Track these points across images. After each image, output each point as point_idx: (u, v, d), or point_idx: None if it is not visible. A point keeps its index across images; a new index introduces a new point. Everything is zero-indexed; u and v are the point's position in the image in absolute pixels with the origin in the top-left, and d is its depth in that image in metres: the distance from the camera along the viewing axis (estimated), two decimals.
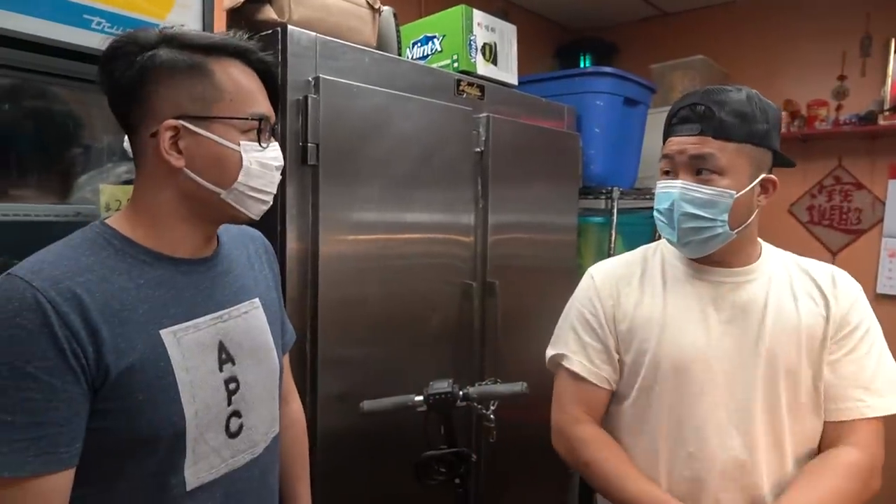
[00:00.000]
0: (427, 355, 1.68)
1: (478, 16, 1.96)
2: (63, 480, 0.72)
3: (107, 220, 0.84)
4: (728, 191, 1.00)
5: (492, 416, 1.43)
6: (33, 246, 0.78)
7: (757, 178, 1.03)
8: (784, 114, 2.96)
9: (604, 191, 2.47)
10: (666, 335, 1.09)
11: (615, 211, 2.44)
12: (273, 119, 0.87)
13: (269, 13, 1.45)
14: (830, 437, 1.06)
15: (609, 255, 2.37)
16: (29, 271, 0.72)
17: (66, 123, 1.36)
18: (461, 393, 1.36)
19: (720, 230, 1.03)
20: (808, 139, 2.96)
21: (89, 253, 0.78)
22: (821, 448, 1.08)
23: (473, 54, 1.94)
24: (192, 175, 0.80)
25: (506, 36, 2.07)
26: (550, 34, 3.53)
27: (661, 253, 1.18)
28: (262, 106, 0.85)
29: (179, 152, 0.80)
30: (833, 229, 3.00)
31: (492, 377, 1.50)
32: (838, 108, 2.91)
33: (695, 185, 1.01)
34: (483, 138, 1.83)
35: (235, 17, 1.52)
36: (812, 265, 1.13)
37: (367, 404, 1.34)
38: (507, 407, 1.44)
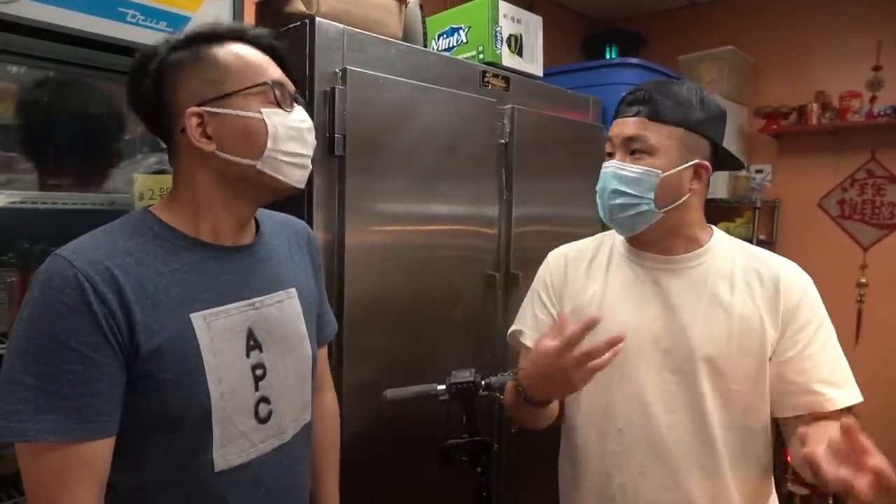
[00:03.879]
0: (450, 345, 1.70)
1: (503, 7, 1.95)
2: (104, 447, 0.77)
3: (150, 207, 0.87)
4: (654, 170, 1.05)
5: None
6: (70, 234, 0.82)
7: (689, 162, 1.07)
8: (815, 105, 2.90)
9: None
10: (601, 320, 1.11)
11: None
12: (290, 85, 0.89)
13: (298, 5, 1.47)
14: (794, 430, 1.07)
15: None
16: (71, 252, 0.76)
17: (101, 115, 1.39)
18: (483, 382, 1.37)
19: (646, 207, 1.06)
20: (840, 131, 2.90)
21: (129, 237, 0.82)
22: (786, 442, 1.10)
23: (499, 46, 1.94)
24: (225, 155, 0.83)
25: (531, 27, 2.06)
26: (576, 25, 3.50)
27: (612, 239, 1.22)
28: (273, 73, 0.87)
29: (209, 137, 0.83)
30: (865, 224, 2.94)
31: (514, 368, 1.51)
32: (872, 99, 2.84)
33: (624, 164, 1.07)
34: (508, 130, 1.83)
35: (264, 10, 1.55)
36: (761, 257, 1.14)
37: (390, 392, 1.36)
38: None
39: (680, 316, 1.09)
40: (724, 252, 1.14)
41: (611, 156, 1.10)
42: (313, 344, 1.01)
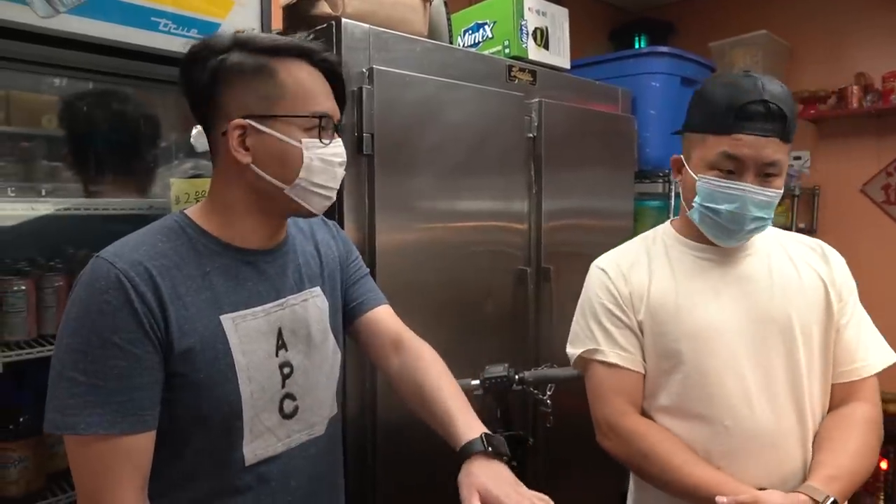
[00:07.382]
0: (483, 340, 1.70)
1: (529, 0, 1.94)
2: (147, 441, 0.79)
3: (186, 211, 0.90)
4: (780, 191, 1.04)
5: (548, 400, 1.43)
6: (111, 238, 0.85)
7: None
8: (856, 88, 2.80)
9: (661, 174, 2.42)
10: (682, 316, 1.10)
11: (673, 194, 2.38)
12: (337, 117, 0.90)
13: (324, 7, 1.49)
14: (839, 396, 1.11)
15: None
16: (113, 254, 0.80)
17: (138, 122, 1.44)
18: (517, 377, 1.37)
19: (768, 224, 1.07)
20: (884, 114, 2.80)
21: (166, 240, 0.85)
22: (830, 408, 1.12)
23: (525, 39, 1.93)
24: (258, 171, 0.85)
25: (557, 19, 2.04)
26: (604, 16, 3.45)
27: (661, 239, 1.19)
28: (324, 105, 0.88)
29: (247, 149, 0.85)
30: None
31: (547, 362, 1.50)
32: None
33: (764, 190, 1.02)
34: (536, 124, 1.82)
35: (291, 14, 1.57)
36: (800, 237, 1.19)
37: None
38: (564, 393, 1.44)
39: (760, 298, 1.09)
40: (772, 235, 1.17)
41: (731, 174, 1.02)
42: (339, 340, 1.03)
